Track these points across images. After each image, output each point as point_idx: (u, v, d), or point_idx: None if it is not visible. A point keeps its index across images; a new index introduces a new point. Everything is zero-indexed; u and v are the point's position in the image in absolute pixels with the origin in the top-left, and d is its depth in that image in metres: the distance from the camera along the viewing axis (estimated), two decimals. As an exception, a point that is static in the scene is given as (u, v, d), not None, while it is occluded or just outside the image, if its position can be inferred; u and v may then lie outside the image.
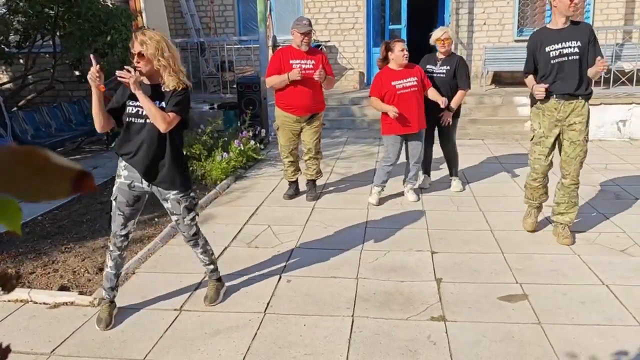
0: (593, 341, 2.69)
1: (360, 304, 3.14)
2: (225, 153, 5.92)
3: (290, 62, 4.77)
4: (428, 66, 5.08)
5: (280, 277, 3.52)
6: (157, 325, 2.97)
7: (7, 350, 0.57)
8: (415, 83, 4.75)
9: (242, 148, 6.22)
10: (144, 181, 2.90)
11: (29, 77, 7.71)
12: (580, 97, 3.76)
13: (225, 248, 4.04)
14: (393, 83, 4.73)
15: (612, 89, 8.03)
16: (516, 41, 10.14)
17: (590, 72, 3.72)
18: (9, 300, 3.26)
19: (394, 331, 2.83)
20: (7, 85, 8.24)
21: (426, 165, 5.41)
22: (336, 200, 5.18)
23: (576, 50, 3.70)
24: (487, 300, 3.13)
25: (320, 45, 9.80)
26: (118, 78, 2.71)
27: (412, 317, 2.97)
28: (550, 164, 3.98)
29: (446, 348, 2.67)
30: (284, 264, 3.72)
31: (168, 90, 2.79)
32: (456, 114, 5.14)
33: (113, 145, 6.80)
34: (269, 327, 2.92)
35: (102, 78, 2.69)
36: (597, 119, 7.24)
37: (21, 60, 8.09)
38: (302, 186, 5.32)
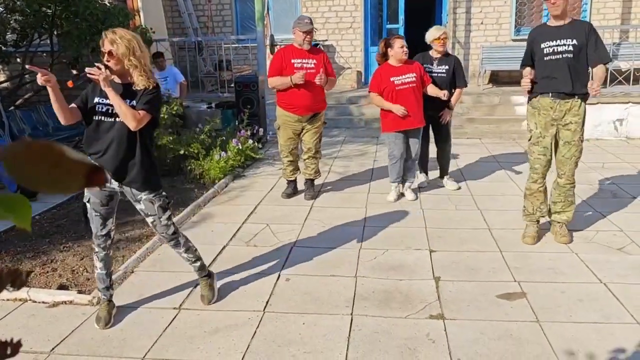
0: (591, 339, 2.70)
1: (359, 302, 3.15)
2: (223, 152, 5.93)
3: (292, 61, 4.76)
4: (425, 65, 5.09)
5: (279, 276, 3.53)
6: (157, 324, 2.97)
7: (18, 345, 0.57)
8: (414, 79, 4.76)
9: (240, 147, 6.22)
10: (113, 181, 2.86)
11: (26, 76, 7.66)
12: (576, 97, 3.69)
13: (224, 247, 4.04)
14: (392, 79, 4.74)
15: (609, 88, 8.06)
16: (513, 40, 10.17)
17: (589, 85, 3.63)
18: (7, 299, 3.26)
19: (393, 329, 2.84)
20: (5, 84, 8.21)
21: (423, 164, 5.43)
22: (334, 199, 5.19)
23: (571, 48, 3.62)
24: (485, 299, 3.15)
25: (318, 45, 9.80)
26: (88, 75, 2.67)
27: (411, 315, 2.98)
28: (549, 164, 3.98)
29: (445, 346, 2.68)
30: (282, 262, 3.73)
31: (139, 89, 2.76)
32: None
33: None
34: (268, 326, 2.92)
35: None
36: (594, 118, 7.27)
37: (18, 59, 8.05)
38: (301, 185, 5.33)
